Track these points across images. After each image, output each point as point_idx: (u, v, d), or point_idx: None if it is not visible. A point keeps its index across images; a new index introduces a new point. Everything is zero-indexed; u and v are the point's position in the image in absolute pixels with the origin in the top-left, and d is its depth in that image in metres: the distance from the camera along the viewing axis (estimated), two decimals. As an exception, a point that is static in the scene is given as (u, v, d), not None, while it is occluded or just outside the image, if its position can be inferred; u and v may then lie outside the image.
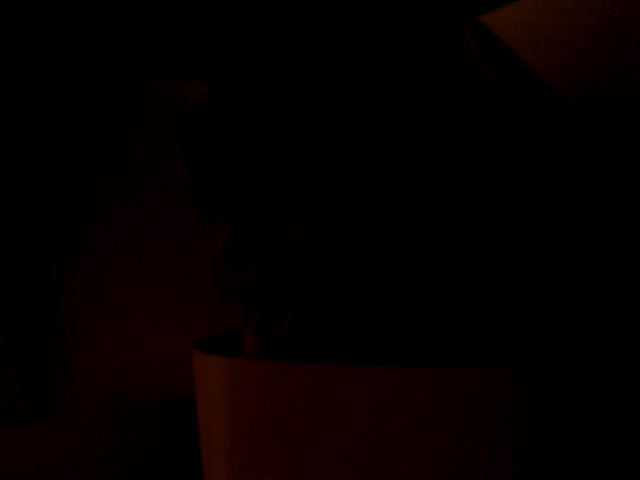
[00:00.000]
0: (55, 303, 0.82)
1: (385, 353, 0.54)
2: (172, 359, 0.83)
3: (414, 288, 0.53)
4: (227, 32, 0.61)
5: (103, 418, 0.82)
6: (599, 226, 0.56)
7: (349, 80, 0.56)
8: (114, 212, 0.85)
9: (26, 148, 0.82)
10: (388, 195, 0.54)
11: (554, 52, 0.69)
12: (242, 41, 0.58)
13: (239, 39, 0.59)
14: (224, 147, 0.58)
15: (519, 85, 0.60)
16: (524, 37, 0.70)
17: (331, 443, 0.52)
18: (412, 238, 0.54)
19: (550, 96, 0.61)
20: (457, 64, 0.57)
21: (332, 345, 0.54)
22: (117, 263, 0.85)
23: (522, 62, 0.61)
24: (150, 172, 0.85)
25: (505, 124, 0.56)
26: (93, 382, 0.83)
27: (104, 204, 0.84)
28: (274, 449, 0.54)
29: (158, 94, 0.81)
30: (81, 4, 0.64)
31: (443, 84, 0.56)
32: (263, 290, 0.56)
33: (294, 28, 0.57)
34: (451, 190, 0.54)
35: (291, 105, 0.56)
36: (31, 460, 0.79)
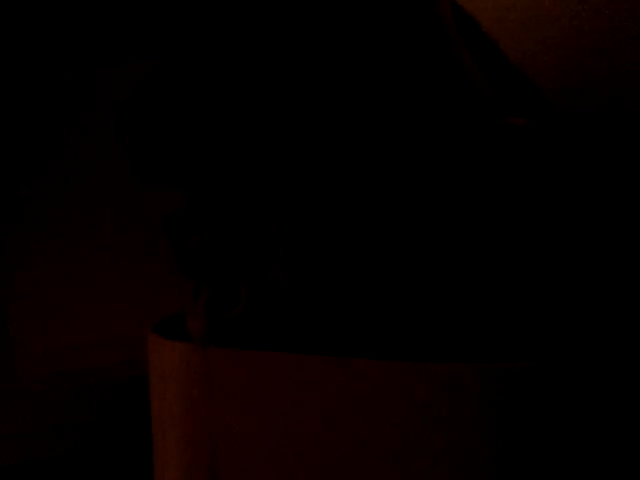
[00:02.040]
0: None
1: (340, 345, 0.52)
2: (120, 339, 0.81)
3: (382, 278, 0.52)
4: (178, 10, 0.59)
5: (43, 397, 0.79)
6: (579, 219, 0.55)
7: (317, 66, 0.53)
8: (59, 183, 0.81)
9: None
10: (358, 178, 0.52)
11: (532, 33, 0.68)
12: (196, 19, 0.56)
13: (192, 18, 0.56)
14: (169, 114, 0.54)
15: (497, 72, 0.59)
16: (502, 18, 0.69)
17: (290, 435, 0.50)
18: (382, 226, 0.52)
19: (527, 85, 0.60)
20: (436, 48, 0.55)
21: (294, 329, 0.52)
22: (63, 238, 0.81)
23: (499, 48, 0.60)
24: (99, 143, 0.82)
25: (484, 113, 0.55)
26: (34, 361, 0.80)
27: (48, 174, 0.81)
28: (229, 439, 0.52)
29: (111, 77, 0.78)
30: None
31: (421, 70, 0.54)
32: (214, 263, 0.54)
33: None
34: (425, 178, 0.52)
35: (242, 87, 0.54)
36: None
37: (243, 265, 0.53)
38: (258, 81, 0.53)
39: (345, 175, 0.52)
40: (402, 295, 0.52)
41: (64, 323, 0.81)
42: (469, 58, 0.57)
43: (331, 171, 0.52)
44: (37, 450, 0.80)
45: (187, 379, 0.53)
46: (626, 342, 0.53)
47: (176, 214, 0.55)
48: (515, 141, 0.54)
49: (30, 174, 0.80)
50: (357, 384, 0.49)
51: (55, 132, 0.81)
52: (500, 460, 0.48)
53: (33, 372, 0.79)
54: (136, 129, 0.56)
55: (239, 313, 0.53)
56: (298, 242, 0.52)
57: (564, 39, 0.67)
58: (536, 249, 0.53)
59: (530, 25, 0.69)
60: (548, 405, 0.49)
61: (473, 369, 0.48)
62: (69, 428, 0.81)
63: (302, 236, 0.52)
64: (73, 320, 0.81)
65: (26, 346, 0.80)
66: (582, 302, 0.54)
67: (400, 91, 0.53)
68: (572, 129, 0.59)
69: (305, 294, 0.52)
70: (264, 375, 0.51)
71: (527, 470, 0.48)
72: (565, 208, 0.55)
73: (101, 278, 0.81)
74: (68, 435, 0.81)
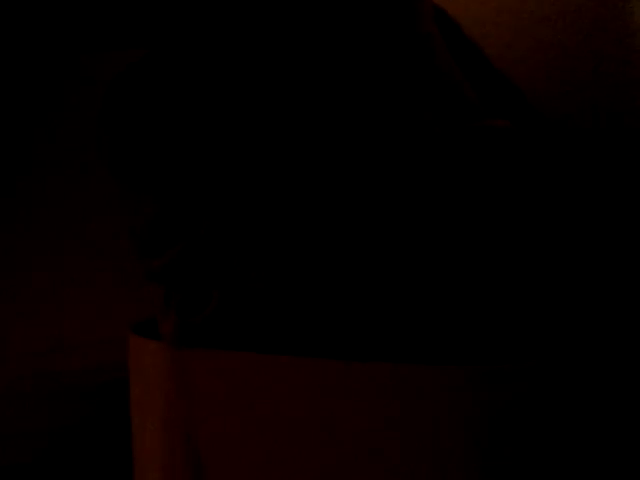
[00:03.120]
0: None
1: (317, 344, 0.52)
2: (105, 340, 0.80)
3: (367, 280, 0.52)
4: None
5: (24, 399, 0.79)
6: (562, 220, 0.55)
7: (299, 69, 0.53)
8: (42, 188, 0.81)
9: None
10: (345, 180, 0.52)
11: (518, 37, 0.68)
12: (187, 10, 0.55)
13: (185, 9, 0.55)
14: (153, 117, 0.55)
15: (480, 75, 0.59)
16: (488, 21, 0.68)
17: (266, 433, 0.51)
18: (369, 230, 0.52)
19: (509, 88, 0.60)
20: (418, 52, 0.55)
21: (260, 331, 0.53)
22: (47, 240, 0.81)
23: (483, 52, 0.60)
24: (85, 148, 0.81)
25: (464, 115, 0.55)
26: (8, 364, 0.79)
27: (30, 180, 0.81)
28: (209, 435, 0.52)
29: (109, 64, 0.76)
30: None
31: (401, 74, 0.54)
32: (184, 273, 0.54)
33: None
34: (408, 179, 0.52)
35: (230, 85, 0.54)
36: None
37: (216, 272, 0.53)
38: (240, 84, 0.53)
39: (332, 178, 0.52)
40: (387, 299, 0.52)
41: (47, 325, 0.80)
42: (452, 61, 0.57)
43: (317, 175, 0.52)
44: (17, 453, 0.80)
45: (162, 377, 0.54)
46: (615, 345, 0.53)
47: (147, 228, 0.55)
48: (494, 142, 0.54)
49: (16, 173, 0.80)
50: (332, 385, 0.50)
51: (52, 133, 0.80)
52: (495, 459, 0.49)
53: (14, 373, 0.79)
54: (116, 128, 0.56)
55: (210, 315, 0.53)
56: (283, 247, 0.52)
57: (549, 41, 0.67)
58: (521, 249, 0.53)
59: (516, 28, 0.69)
60: (539, 405, 0.50)
61: (465, 370, 0.49)
62: (51, 431, 0.80)
63: (290, 241, 0.52)
64: (56, 322, 0.80)
65: (7, 347, 0.79)
66: (572, 304, 0.54)
67: (379, 95, 0.53)
68: (554, 131, 0.59)
69: (287, 297, 0.52)
70: (237, 374, 0.52)
71: (516, 467, 0.49)
72: (546, 209, 0.55)
73: (85, 279, 0.80)
74: (50, 437, 0.80)
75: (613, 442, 0.51)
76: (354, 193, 0.52)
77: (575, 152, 0.62)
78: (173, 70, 0.55)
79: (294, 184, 0.52)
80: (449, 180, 0.53)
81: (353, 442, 0.49)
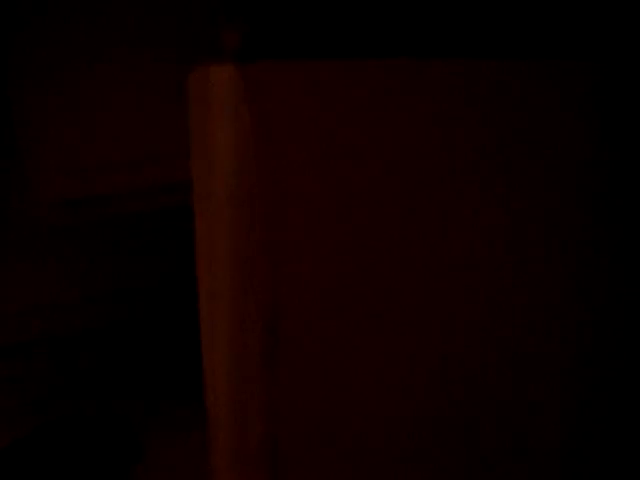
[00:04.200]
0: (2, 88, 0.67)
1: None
2: (155, 156, 0.68)
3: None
4: None
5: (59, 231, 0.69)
6: None
7: None
8: None
9: None
10: None
11: None
12: None
13: None
14: None
15: None
16: None
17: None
18: None
19: None
20: None
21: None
22: (81, 41, 0.68)
23: None
24: None
25: None
26: (51, 187, 0.67)
27: None
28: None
29: None
30: None
31: None
32: None
33: None
34: None
35: None
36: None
37: None
38: None
39: None
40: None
41: (87, 138, 0.68)
42: None
43: None
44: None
45: (233, 108, 0.42)
46: None
47: None
48: None
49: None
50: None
51: None
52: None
53: (49, 198, 0.67)
54: None
55: (286, 18, 0.44)
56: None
57: None
58: None
59: None
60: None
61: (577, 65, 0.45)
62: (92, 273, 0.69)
63: None
64: (98, 134, 0.68)
65: (40, 166, 0.68)
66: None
67: None
68: None
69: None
70: (322, 88, 0.42)
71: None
72: None
73: (131, 79, 0.68)
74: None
75: None
76: None
77: None
78: None
79: None
80: None
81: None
